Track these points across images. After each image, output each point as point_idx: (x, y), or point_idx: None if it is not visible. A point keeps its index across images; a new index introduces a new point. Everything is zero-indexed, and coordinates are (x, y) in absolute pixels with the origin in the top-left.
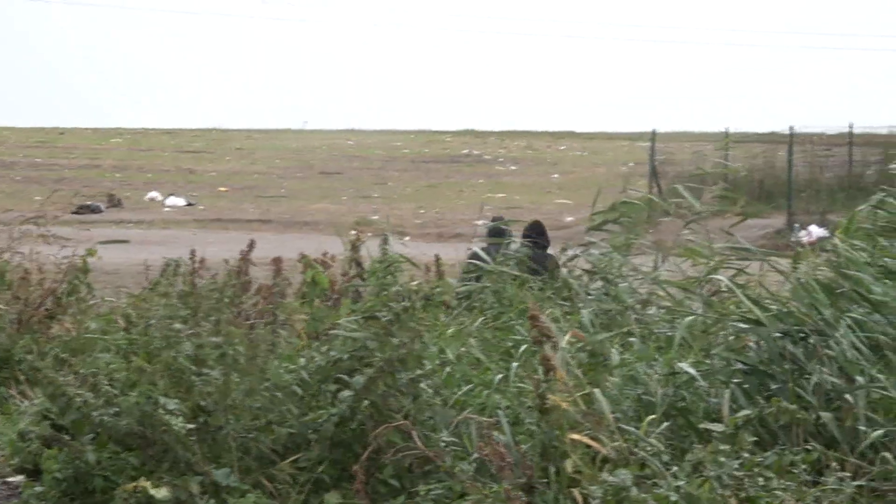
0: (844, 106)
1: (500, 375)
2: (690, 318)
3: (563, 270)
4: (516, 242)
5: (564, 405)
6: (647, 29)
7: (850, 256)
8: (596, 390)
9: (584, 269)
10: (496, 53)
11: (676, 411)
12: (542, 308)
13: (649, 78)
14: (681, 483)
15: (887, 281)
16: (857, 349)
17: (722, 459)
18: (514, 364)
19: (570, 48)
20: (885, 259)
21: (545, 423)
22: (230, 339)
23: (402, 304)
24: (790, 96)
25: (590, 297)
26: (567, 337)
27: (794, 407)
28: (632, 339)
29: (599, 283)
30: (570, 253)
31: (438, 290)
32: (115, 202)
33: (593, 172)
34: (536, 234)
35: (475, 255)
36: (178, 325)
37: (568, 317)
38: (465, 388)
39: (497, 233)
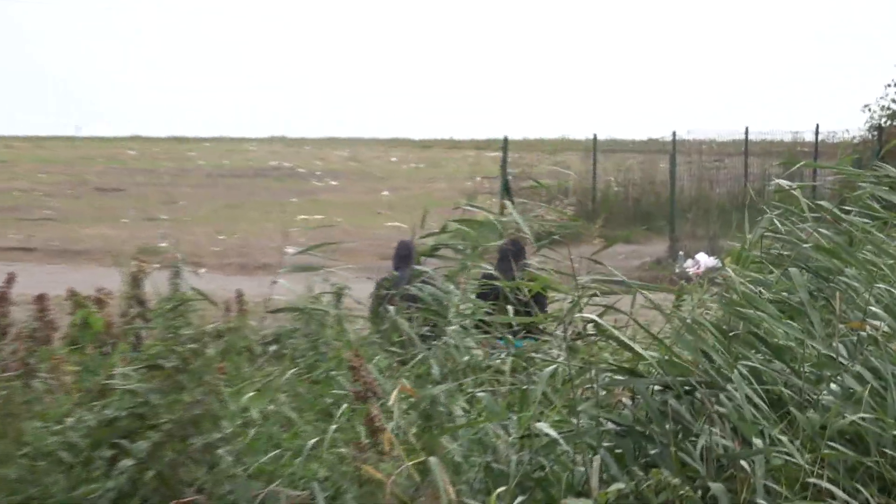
0: (741, 110)
1: (314, 440)
2: (551, 367)
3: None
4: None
5: (392, 477)
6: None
7: (746, 292)
8: (432, 458)
9: (416, 306)
10: (313, 52)
11: (534, 482)
12: (367, 356)
13: (500, 78)
14: None
15: (791, 321)
16: (754, 405)
17: None
18: (333, 426)
19: (402, 45)
20: (783, 294)
21: (366, 498)
22: None
23: (192, 347)
24: (676, 100)
25: (427, 339)
26: (395, 392)
27: (676, 480)
28: (479, 393)
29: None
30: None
31: (240, 332)
32: None
33: (432, 188)
34: (404, 254)
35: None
36: None
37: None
38: (272, 454)
39: (405, 252)
